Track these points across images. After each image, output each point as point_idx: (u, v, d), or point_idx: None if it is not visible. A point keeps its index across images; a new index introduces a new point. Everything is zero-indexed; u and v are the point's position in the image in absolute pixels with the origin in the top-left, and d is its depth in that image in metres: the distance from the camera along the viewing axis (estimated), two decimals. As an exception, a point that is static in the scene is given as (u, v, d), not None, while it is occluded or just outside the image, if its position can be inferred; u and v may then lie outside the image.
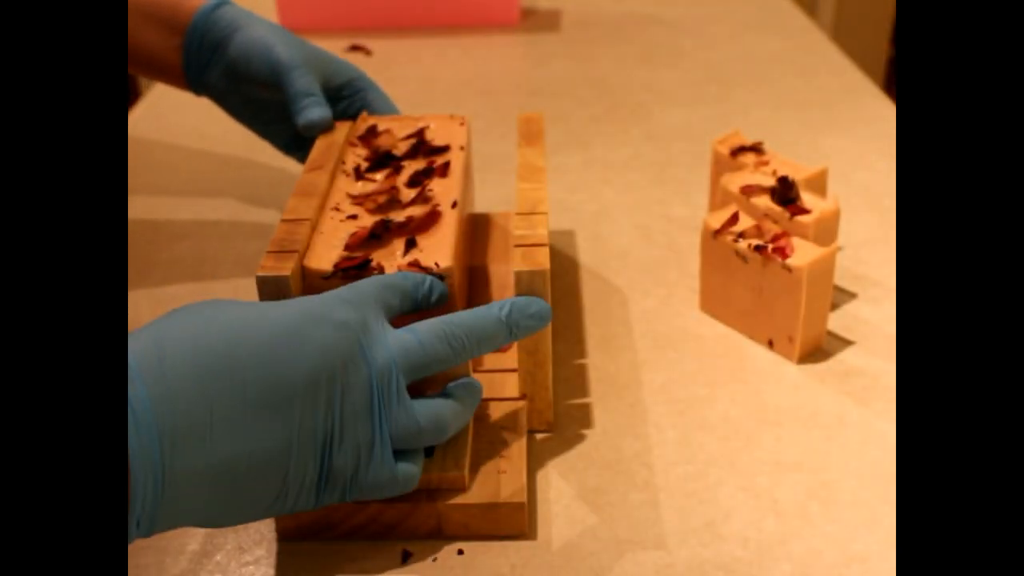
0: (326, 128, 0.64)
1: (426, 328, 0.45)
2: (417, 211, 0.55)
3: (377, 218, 0.54)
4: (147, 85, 1.60)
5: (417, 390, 0.46)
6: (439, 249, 0.51)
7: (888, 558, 0.47)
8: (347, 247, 0.52)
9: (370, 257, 0.51)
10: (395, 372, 0.43)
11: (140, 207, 0.80)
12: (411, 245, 0.52)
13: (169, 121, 0.97)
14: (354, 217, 0.55)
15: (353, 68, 0.70)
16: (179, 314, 0.41)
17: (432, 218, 0.54)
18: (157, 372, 0.38)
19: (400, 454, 0.45)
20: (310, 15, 1.17)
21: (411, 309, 0.48)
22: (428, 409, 0.45)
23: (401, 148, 0.62)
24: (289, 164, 0.85)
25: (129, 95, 1.85)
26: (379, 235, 0.52)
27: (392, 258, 0.51)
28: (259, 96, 0.68)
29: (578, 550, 0.48)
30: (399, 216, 0.54)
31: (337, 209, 0.55)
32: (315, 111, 0.64)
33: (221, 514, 0.41)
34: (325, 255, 0.51)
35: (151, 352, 0.39)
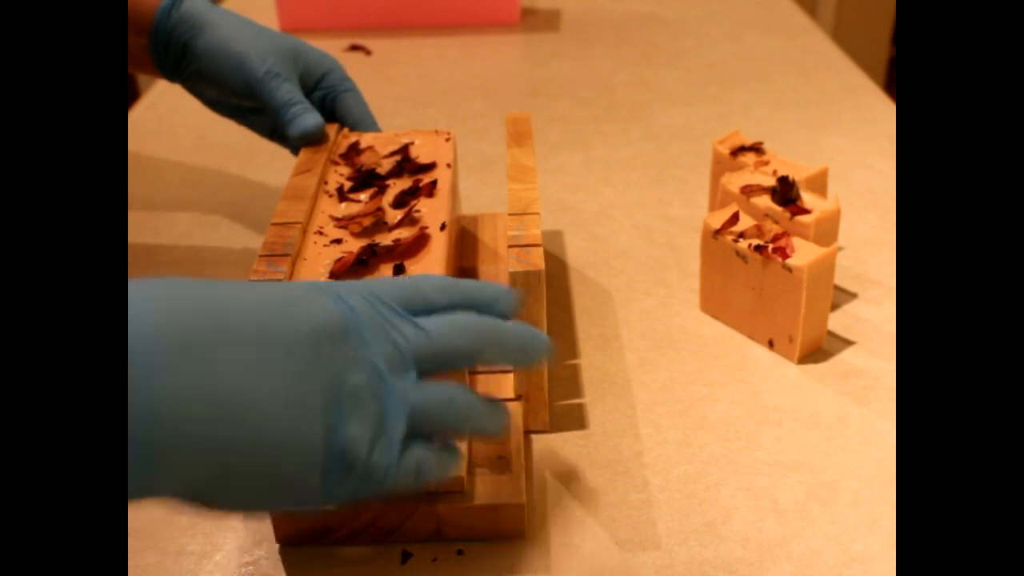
0: (320, 135, 0.63)
1: (441, 320, 0.42)
2: (404, 234, 0.53)
3: (363, 242, 0.52)
4: (147, 85, 1.60)
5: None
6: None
7: (888, 558, 0.47)
8: (332, 274, 0.50)
9: None
10: (407, 357, 0.40)
11: (140, 208, 0.80)
12: (399, 271, 0.50)
13: (169, 121, 0.97)
14: (339, 241, 0.53)
15: (329, 59, 0.68)
16: (159, 279, 0.38)
17: (421, 242, 0.52)
18: (155, 303, 0.35)
19: (420, 442, 0.41)
20: (310, 15, 1.17)
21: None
22: (441, 392, 0.41)
23: (385, 166, 0.60)
24: (290, 164, 0.85)
25: (129, 95, 1.85)
26: (366, 260, 0.51)
27: None
28: (234, 101, 0.67)
29: (578, 550, 0.48)
30: (386, 239, 0.52)
31: (320, 233, 0.53)
32: (307, 119, 0.62)
33: (225, 484, 0.37)
34: None
35: (138, 291, 0.35)
